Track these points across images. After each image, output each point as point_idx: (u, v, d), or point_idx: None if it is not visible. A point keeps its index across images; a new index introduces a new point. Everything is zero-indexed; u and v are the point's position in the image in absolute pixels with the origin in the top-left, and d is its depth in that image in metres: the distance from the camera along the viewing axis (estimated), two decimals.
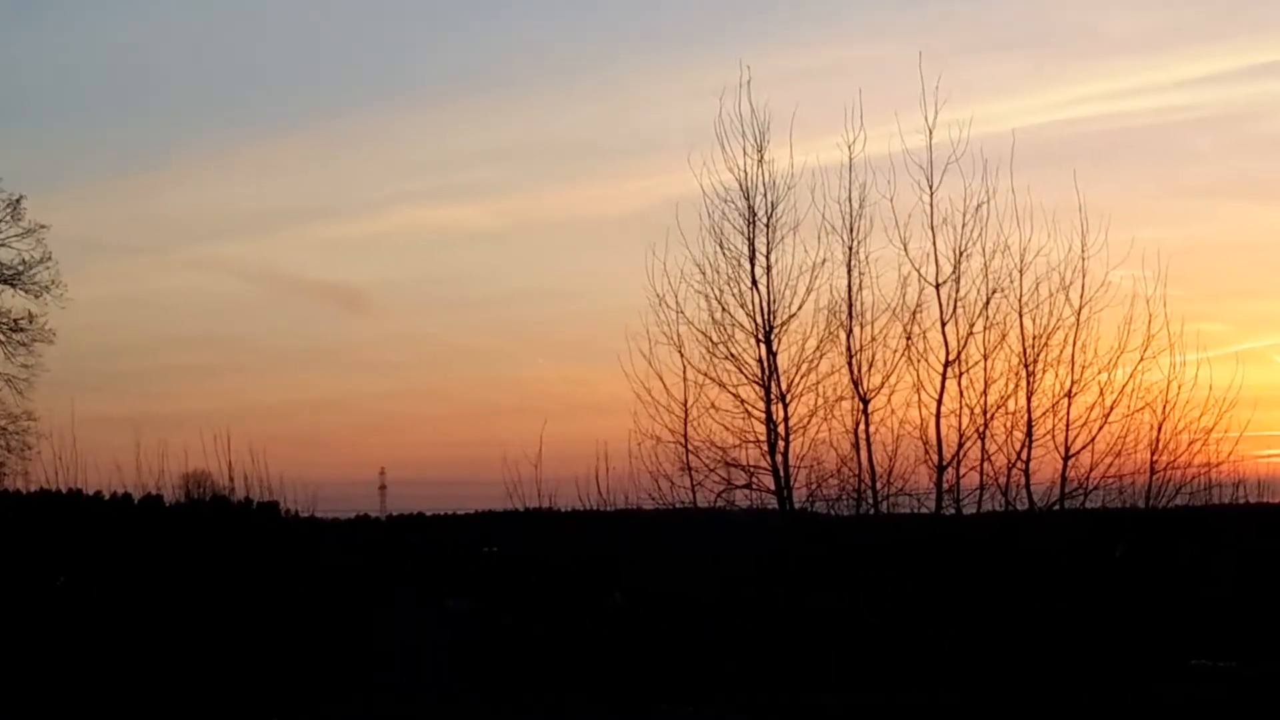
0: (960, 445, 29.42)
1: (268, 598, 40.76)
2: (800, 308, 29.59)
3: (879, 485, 29.49)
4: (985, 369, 29.53)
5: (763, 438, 29.51)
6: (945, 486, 29.45)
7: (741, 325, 29.72)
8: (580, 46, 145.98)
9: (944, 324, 29.49)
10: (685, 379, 29.71)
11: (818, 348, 29.53)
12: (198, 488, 43.31)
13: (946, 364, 29.43)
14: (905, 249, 29.54)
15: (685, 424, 29.69)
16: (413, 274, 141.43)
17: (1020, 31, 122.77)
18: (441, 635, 48.08)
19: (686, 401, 29.68)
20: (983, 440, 29.43)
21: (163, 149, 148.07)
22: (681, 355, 29.77)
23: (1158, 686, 31.39)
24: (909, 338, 29.53)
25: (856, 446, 29.45)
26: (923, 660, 29.20)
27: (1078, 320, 29.55)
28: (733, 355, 29.71)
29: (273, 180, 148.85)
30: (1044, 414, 29.52)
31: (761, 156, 29.64)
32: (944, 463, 29.37)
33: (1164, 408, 29.56)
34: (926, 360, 29.56)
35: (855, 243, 29.62)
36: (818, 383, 29.53)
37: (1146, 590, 33.20)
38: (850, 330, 29.56)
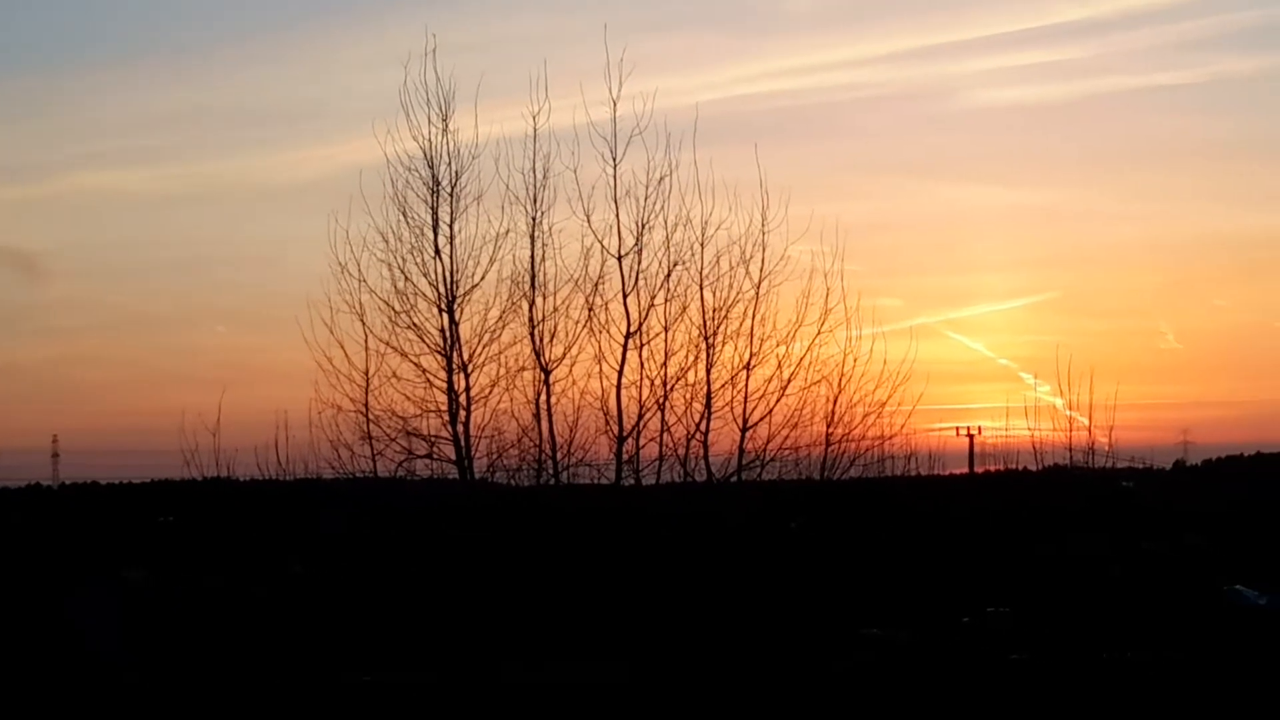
0: (640, 416, 29.60)
1: None
2: (483, 278, 29.53)
3: (560, 456, 29.52)
4: (666, 341, 29.80)
5: (444, 407, 29.37)
6: (625, 457, 29.63)
7: (424, 294, 29.55)
8: (262, 9, 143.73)
9: (626, 295, 29.69)
10: (367, 348, 29.42)
11: (500, 318, 29.50)
12: None
13: (628, 335, 29.60)
14: (589, 220, 29.66)
15: (366, 393, 29.40)
16: (88, 239, 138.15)
17: (705, 6, 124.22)
18: (114, 606, 47.12)
19: (368, 371, 29.40)
20: (663, 412, 29.69)
21: None
22: (363, 324, 29.47)
23: (828, 656, 32.01)
24: (591, 309, 29.65)
25: (538, 417, 29.47)
26: (599, 630, 29.35)
27: (757, 293, 30.01)
28: (415, 325, 29.51)
29: None
30: (723, 386, 29.87)
31: (446, 125, 29.48)
32: (624, 434, 29.55)
33: (840, 381, 30.20)
34: (608, 331, 29.72)
35: (539, 213, 29.64)
36: (500, 353, 29.51)
37: (821, 560, 33.87)
38: (533, 301, 29.57)
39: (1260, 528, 76.85)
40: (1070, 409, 36.25)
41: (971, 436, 65.71)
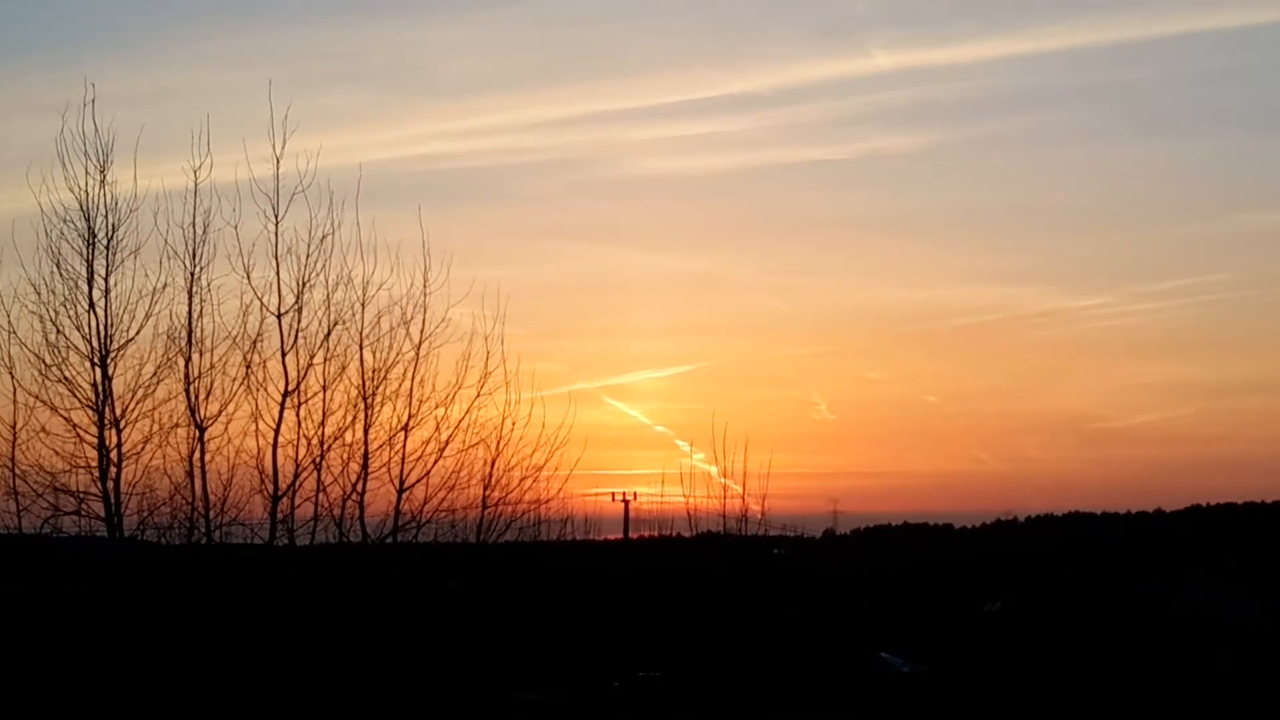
0: (297, 475, 29.38)
1: None
2: (139, 332, 28.97)
3: (213, 514, 29.10)
4: (324, 400, 29.69)
5: (94, 463, 28.74)
6: (280, 517, 29.36)
7: (77, 348, 28.89)
8: None
9: (284, 354, 29.48)
10: (15, 401, 28.71)
11: (155, 373, 28.99)
12: None
13: (285, 394, 29.38)
14: (249, 277, 29.38)
15: (14, 447, 28.64)
16: None
17: (370, 65, 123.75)
18: None
19: (15, 424, 28.69)
20: (319, 471, 29.53)
21: None
22: (12, 376, 28.74)
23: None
24: (249, 366, 29.34)
25: (191, 474, 29.00)
26: (244, 693, 28.96)
27: (417, 355, 30.15)
28: (67, 379, 28.83)
29: None
30: (381, 447, 29.87)
31: (104, 177, 28.89)
32: (279, 493, 29.27)
33: (498, 444, 30.51)
34: (266, 390, 29.45)
35: (197, 269, 29.25)
36: (154, 409, 28.99)
37: (475, 623, 33.93)
38: (189, 357, 29.15)
39: (906, 595, 79.10)
40: (724, 476, 37.16)
41: (627, 502, 66.48)
